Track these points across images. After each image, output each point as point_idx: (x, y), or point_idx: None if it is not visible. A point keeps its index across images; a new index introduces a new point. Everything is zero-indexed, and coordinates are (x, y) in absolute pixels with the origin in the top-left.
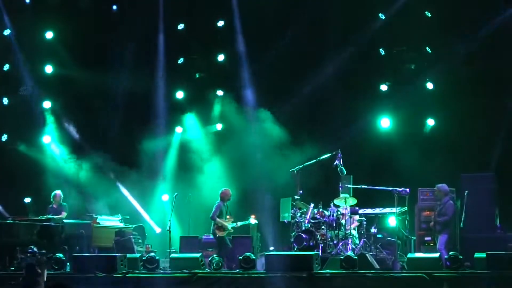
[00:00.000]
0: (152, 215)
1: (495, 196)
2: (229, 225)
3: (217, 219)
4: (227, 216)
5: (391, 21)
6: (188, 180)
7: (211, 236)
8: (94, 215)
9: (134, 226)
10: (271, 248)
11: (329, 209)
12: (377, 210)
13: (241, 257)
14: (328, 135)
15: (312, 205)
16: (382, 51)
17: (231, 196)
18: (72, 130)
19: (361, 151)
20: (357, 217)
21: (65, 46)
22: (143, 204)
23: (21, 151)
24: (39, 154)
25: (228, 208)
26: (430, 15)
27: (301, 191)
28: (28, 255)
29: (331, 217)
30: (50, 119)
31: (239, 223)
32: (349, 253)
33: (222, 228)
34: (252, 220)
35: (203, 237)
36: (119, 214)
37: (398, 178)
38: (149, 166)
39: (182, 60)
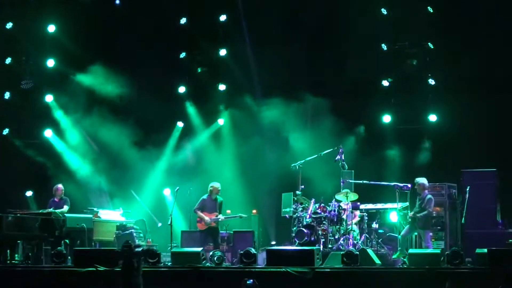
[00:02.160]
0: (153, 210)
1: (497, 192)
2: (210, 219)
3: (198, 212)
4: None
5: (393, 16)
6: (189, 174)
7: None
8: (95, 209)
9: (135, 220)
10: (273, 243)
11: (331, 204)
12: (379, 206)
13: (242, 252)
14: (330, 130)
15: (313, 200)
16: (384, 46)
17: (219, 190)
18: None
19: (362, 146)
20: (358, 212)
21: (67, 39)
22: (144, 198)
23: (22, 144)
24: (41, 147)
25: (218, 203)
26: (432, 11)
27: (302, 186)
28: (124, 249)
29: (333, 212)
30: (52, 113)
31: (221, 217)
32: (350, 248)
33: (201, 222)
34: (242, 215)
35: None
36: (120, 208)
37: (400, 173)
38: (150, 159)
39: (184, 55)
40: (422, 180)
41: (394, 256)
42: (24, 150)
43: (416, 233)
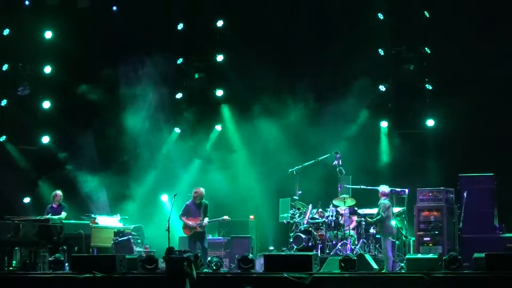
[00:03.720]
0: (150, 215)
1: (494, 196)
2: (194, 224)
3: (182, 218)
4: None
5: (390, 21)
6: (187, 180)
7: (210, 236)
8: (93, 215)
9: (133, 226)
10: (271, 248)
11: (328, 209)
12: (376, 211)
13: (239, 257)
14: (327, 136)
15: (311, 205)
16: (381, 51)
17: (201, 198)
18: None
19: (360, 152)
20: (356, 217)
21: (65, 46)
22: (142, 204)
23: (19, 151)
24: (38, 154)
25: (203, 207)
26: (428, 15)
27: (300, 192)
28: (175, 255)
29: (330, 217)
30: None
31: (204, 221)
32: (348, 253)
33: (186, 227)
34: (225, 218)
35: None
36: (118, 214)
37: (397, 178)
38: (147, 165)
39: (181, 61)
40: (382, 188)
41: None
42: (21, 156)
43: (412, 238)
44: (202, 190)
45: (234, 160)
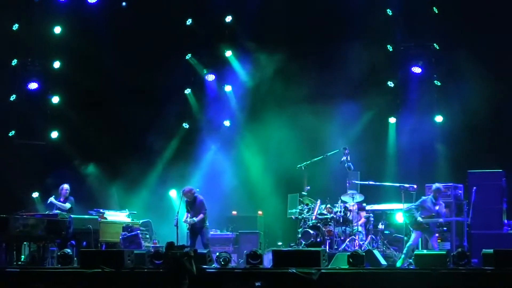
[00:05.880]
0: (159, 211)
1: (503, 193)
2: (184, 219)
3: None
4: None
5: (399, 17)
6: (196, 176)
7: (219, 232)
8: (101, 210)
9: (141, 221)
10: (279, 244)
11: (337, 205)
12: (384, 206)
13: (248, 253)
14: (336, 131)
15: (319, 201)
16: (389, 47)
17: (191, 195)
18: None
19: (368, 147)
20: (364, 213)
21: (74, 41)
22: (150, 199)
23: (28, 146)
24: (47, 149)
25: (196, 204)
26: (437, 11)
27: (308, 187)
28: (175, 251)
29: (338, 213)
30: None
31: (187, 220)
32: (356, 249)
33: None
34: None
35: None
36: (127, 209)
37: (406, 174)
38: (156, 160)
39: (190, 56)
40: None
41: (398, 264)
42: (30, 151)
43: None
44: (183, 189)
45: (242, 155)
